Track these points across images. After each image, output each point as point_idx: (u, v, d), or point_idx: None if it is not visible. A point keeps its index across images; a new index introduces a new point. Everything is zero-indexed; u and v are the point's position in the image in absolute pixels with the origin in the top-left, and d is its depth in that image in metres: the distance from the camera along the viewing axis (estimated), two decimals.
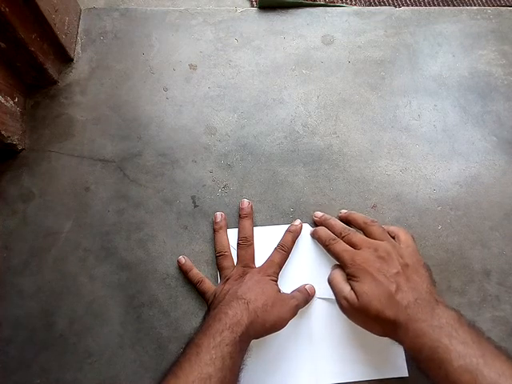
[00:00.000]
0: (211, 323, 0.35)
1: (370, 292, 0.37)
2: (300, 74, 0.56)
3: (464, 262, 0.47)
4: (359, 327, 0.43)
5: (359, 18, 0.59)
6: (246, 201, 0.48)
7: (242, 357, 0.36)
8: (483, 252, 0.47)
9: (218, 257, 0.45)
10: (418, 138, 0.53)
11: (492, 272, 0.47)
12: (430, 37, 0.58)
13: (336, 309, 0.44)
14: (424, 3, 0.72)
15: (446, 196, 0.50)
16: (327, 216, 0.47)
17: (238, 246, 0.46)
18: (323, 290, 0.45)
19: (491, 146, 0.52)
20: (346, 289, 0.39)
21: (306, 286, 0.44)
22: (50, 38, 0.50)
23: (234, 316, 0.36)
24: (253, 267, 0.44)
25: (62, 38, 0.52)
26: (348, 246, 0.41)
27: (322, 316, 0.44)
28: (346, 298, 0.38)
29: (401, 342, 0.36)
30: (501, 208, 0.49)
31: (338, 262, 0.43)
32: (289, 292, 0.43)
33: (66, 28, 0.53)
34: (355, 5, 0.67)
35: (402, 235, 0.43)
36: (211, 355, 0.32)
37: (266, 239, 0.46)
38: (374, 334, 0.38)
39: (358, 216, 0.45)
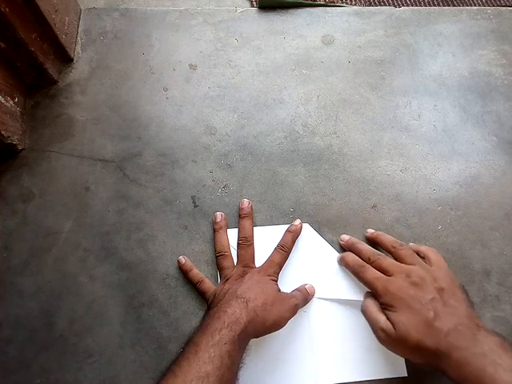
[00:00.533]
0: (210, 322, 0.35)
1: (406, 321, 0.35)
2: (300, 74, 0.56)
3: (464, 261, 0.47)
4: (359, 327, 0.43)
5: (359, 18, 0.59)
6: (245, 201, 0.48)
7: (241, 355, 0.36)
8: (483, 252, 0.47)
9: (218, 257, 0.45)
10: (418, 138, 0.53)
11: (492, 272, 0.47)
12: (430, 37, 0.58)
13: (336, 309, 0.44)
14: (424, 3, 0.72)
15: (445, 196, 0.50)
16: (354, 240, 0.45)
17: (238, 245, 0.46)
18: (323, 290, 0.45)
19: (491, 146, 0.52)
20: (381, 319, 0.37)
21: (306, 286, 0.44)
22: (50, 38, 0.50)
23: (232, 314, 0.36)
24: (253, 267, 0.44)
25: (62, 38, 0.52)
26: (378, 272, 0.40)
27: (322, 316, 0.44)
28: (382, 329, 0.37)
29: (444, 372, 0.34)
30: (501, 208, 0.49)
31: (369, 290, 0.41)
32: (289, 292, 0.43)
33: (66, 28, 0.53)
34: (355, 5, 0.67)
35: (433, 256, 0.41)
36: (210, 354, 0.32)
37: (266, 239, 0.46)
38: (416, 362, 0.36)
39: (386, 239, 0.44)
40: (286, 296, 0.41)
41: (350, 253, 0.44)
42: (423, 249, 0.42)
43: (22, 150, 0.50)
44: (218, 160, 0.51)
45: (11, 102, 0.48)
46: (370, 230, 0.47)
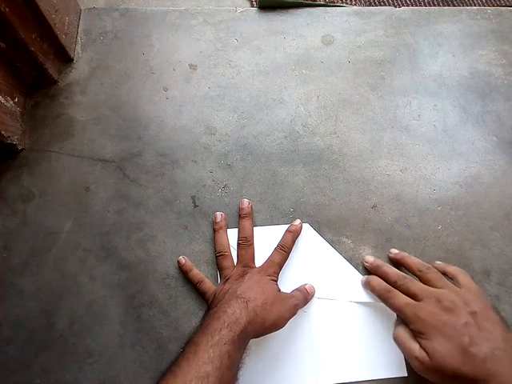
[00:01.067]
0: (210, 322, 0.35)
1: (441, 349, 0.34)
2: (300, 74, 0.56)
3: (464, 261, 0.47)
4: (359, 327, 0.43)
5: (359, 18, 0.59)
6: (245, 201, 0.48)
7: (241, 355, 0.36)
8: (483, 252, 0.47)
9: (218, 257, 0.45)
10: (418, 138, 0.53)
11: (492, 272, 0.47)
12: (430, 37, 0.58)
13: (336, 309, 0.44)
14: (424, 3, 0.72)
15: (445, 196, 0.50)
16: (379, 262, 0.44)
17: (238, 245, 0.46)
18: (323, 290, 0.45)
19: (491, 146, 0.52)
20: (415, 348, 0.36)
21: (306, 286, 0.44)
22: (50, 38, 0.50)
23: (232, 314, 0.36)
24: (253, 267, 0.44)
25: (62, 38, 0.52)
26: (407, 297, 0.38)
27: (322, 316, 0.44)
28: (417, 358, 0.35)
29: None
30: (501, 208, 0.49)
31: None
32: (289, 292, 0.43)
33: (66, 28, 0.53)
34: (355, 5, 0.67)
35: (461, 277, 0.40)
36: (209, 354, 0.32)
37: (266, 239, 0.46)
38: None
39: (412, 261, 0.43)
40: (286, 296, 0.41)
41: (375, 276, 0.43)
42: (451, 269, 0.41)
43: (22, 150, 0.50)
44: (218, 160, 0.51)
45: (11, 102, 0.48)
46: (394, 251, 0.45)
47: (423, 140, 0.52)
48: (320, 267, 0.46)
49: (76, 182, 0.49)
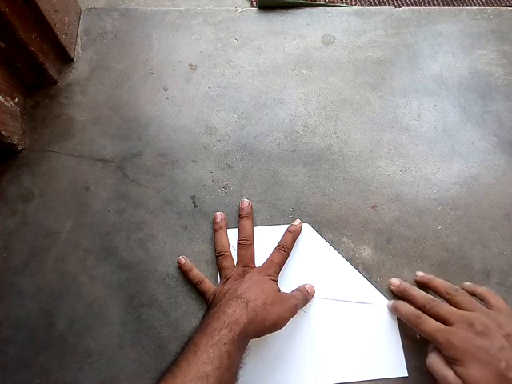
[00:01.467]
0: (210, 322, 0.35)
1: (477, 376, 0.33)
2: (300, 74, 0.56)
3: (464, 261, 0.47)
4: (359, 327, 0.43)
5: (359, 18, 0.59)
6: (245, 201, 0.48)
7: (241, 356, 0.36)
8: (483, 252, 0.47)
9: (218, 257, 0.45)
10: (418, 138, 0.53)
11: (492, 272, 0.47)
12: (430, 37, 0.58)
13: (336, 309, 0.44)
14: (424, 3, 0.72)
15: (446, 196, 0.50)
16: (406, 285, 0.43)
17: (238, 245, 0.46)
18: (323, 290, 0.45)
19: (491, 146, 0.52)
20: (449, 375, 0.34)
21: (306, 286, 0.44)
22: (50, 38, 0.50)
23: (232, 314, 0.36)
24: (253, 267, 0.44)
25: (62, 38, 0.52)
26: (437, 323, 0.37)
27: (322, 316, 0.44)
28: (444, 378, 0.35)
29: None
30: (501, 208, 0.49)
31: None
32: (289, 292, 0.43)
33: (65, 28, 0.53)
34: (355, 5, 0.67)
35: (492, 298, 0.39)
36: (209, 354, 0.32)
37: (266, 239, 0.46)
38: None
39: (440, 284, 0.41)
40: (286, 296, 0.41)
41: (402, 302, 0.42)
42: (480, 290, 0.40)
43: (22, 149, 0.50)
44: (218, 160, 0.51)
45: (11, 102, 0.48)
46: (420, 273, 0.44)
47: (423, 140, 0.52)
48: (320, 267, 0.46)
49: (76, 182, 0.49)
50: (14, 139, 0.48)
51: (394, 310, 0.42)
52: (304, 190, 0.50)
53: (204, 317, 0.40)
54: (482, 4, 0.72)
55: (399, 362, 0.42)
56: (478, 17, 0.60)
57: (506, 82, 0.56)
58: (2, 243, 0.46)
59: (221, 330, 0.34)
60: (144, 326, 0.44)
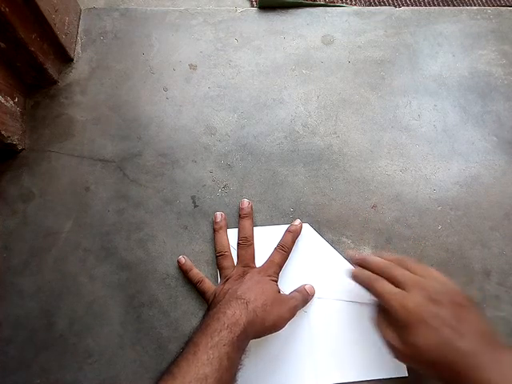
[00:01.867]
0: (210, 322, 0.35)
1: (423, 340, 0.33)
2: (300, 74, 0.56)
3: (464, 261, 0.47)
4: (359, 327, 0.43)
5: (359, 18, 0.59)
6: (246, 201, 0.48)
7: (240, 357, 0.36)
8: (483, 252, 0.47)
9: (218, 257, 0.45)
10: (418, 138, 0.53)
11: (492, 272, 0.47)
12: (430, 37, 0.58)
13: (336, 309, 0.44)
14: (424, 3, 0.72)
15: (446, 196, 0.50)
16: (364, 255, 0.44)
17: (238, 245, 0.46)
18: (323, 290, 0.45)
19: (491, 146, 0.52)
20: (393, 336, 0.36)
21: (306, 287, 0.44)
22: (50, 38, 0.50)
23: (232, 316, 0.36)
24: (253, 267, 0.44)
25: (62, 38, 0.52)
26: (393, 287, 0.37)
27: (322, 316, 0.44)
28: (395, 347, 0.35)
29: None
30: (501, 208, 0.49)
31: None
32: (288, 292, 0.43)
33: (65, 28, 0.53)
34: (355, 5, 0.67)
35: (436, 274, 0.39)
36: (209, 355, 0.32)
37: (266, 239, 0.46)
38: (433, 379, 0.34)
39: (392, 256, 0.42)
40: (286, 297, 0.41)
41: (360, 268, 0.42)
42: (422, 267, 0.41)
43: (22, 149, 0.50)
44: (218, 160, 0.51)
45: (11, 102, 0.48)
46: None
47: (423, 140, 0.52)
48: (320, 267, 0.46)
49: (76, 181, 0.49)
50: (14, 139, 0.48)
51: (353, 278, 0.42)
52: (304, 190, 0.50)
53: (204, 317, 0.40)
54: (482, 4, 0.72)
55: (399, 362, 0.42)
56: (478, 17, 0.60)
57: (506, 82, 0.56)
58: (2, 243, 0.46)
59: (221, 331, 0.34)
60: (144, 325, 0.44)
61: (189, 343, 0.34)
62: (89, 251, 0.46)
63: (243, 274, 0.42)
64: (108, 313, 0.44)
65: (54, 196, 0.48)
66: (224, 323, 0.35)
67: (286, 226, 0.47)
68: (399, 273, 0.38)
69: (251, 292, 0.39)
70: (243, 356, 0.36)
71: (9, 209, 0.48)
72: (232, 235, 0.47)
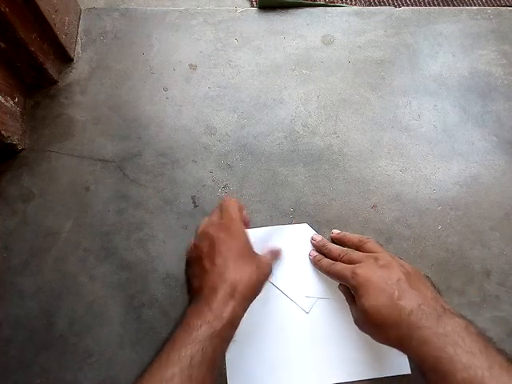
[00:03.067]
0: (191, 317, 0.33)
1: (372, 301, 0.35)
2: (300, 74, 0.56)
3: (464, 261, 0.47)
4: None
5: (359, 18, 0.59)
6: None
7: (222, 347, 0.34)
8: (483, 252, 0.47)
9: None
10: (418, 138, 0.53)
11: (492, 272, 0.47)
12: (430, 37, 0.58)
13: (336, 308, 0.44)
14: (424, 3, 0.72)
15: (446, 196, 0.50)
16: (325, 241, 0.46)
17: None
18: (323, 290, 0.45)
19: (491, 146, 0.52)
20: (352, 308, 0.39)
21: (271, 247, 0.43)
22: (50, 38, 0.50)
23: (217, 309, 0.34)
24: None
25: (62, 38, 0.52)
26: (348, 265, 0.40)
27: (323, 316, 0.44)
28: (355, 318, 0.38)
29: (405, 352, 0.34)
30: (501, 208, 0.49)
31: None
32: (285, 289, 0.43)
33: (66, 28, 0.53)
34: (355, 5, 0.67)
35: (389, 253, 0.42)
36: (180, 353, 0.31)
37: (263, 241, 0.46)
38: (383, 343, 0.36)
39: (352, 237, 0.45)
40: (260, 261, 0.39)
41: (320, 255, 0.45)
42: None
43: (22, 149, 0.50)
44: (218, 160, 0.51)
45: (11, 102, 0.48)
46: (336, 231, 0.47)
47: (423, 140, 0.52)
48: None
49: (76, 182, 0.49)
50: (14, 139, 0.48)
51: (314, 263, 0.45)
52: (304, 190, 0.50)
53: (191, 301, 0.37)
54: (482, 4, 0.72)
55: (401, 359, 0.42)
56: (478, 17, 0.60)
57: (506, 82, 0.56)
58: (2, 243, 0.46)
59: (201, 326, 0.32)
60: (144, 326, 0.44)
61: (169, 340, 0.33)
62: (89, 251, 0.46)
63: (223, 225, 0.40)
64: (108, 313, 0.44)
65: (54, 196, 0.48)
66: (206, 319, 0.33)
67: (281, 227, 0.47)
68: (354, 254, 0.41)
69: (236, 270, 0.36)
70: (227, 345, 0.35)
71: (9, 209, 0.48)
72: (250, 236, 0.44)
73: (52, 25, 0.48)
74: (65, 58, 0.55)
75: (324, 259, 0.44)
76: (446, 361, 0.30)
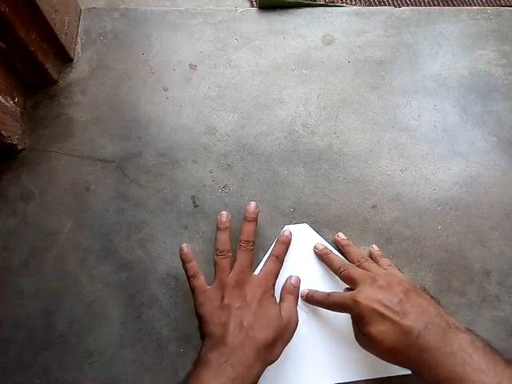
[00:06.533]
0: (220, 364, 0.34)
1: (379, 330, 0.35)
2: (300, 74, 0.56)
3: (464, 261, 0.47)
4: None
5: (359, 18, 0.59)
6: (253, 205, 0.45)
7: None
8: (483, 252, 0.47)
9: (219, 255, 0.43)
10: (418, 138, 0.53)
11: (492, 272, 0.47)
12: (430, 37, 0.58)
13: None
14: (424, 3, 0.71)
15: (445, 196, 0.50)
16: (328, 250, 0.46)
17: (238, 247, 0.43)
18: (323, 290, 0.45)
19: (491, 146, 0.52)
20: (356, 333, 0.39)
21: (292, 281, 0.44)
22: (50, 38, 0.50)
23: (243, 364, 0.35)
24: (249, 274, 0.42)
25: (62, 38, 0.52)
26: (342, 294, 0.41)
27: (322, 316, 0.44)
28: (361, 341, 0.38)
29: (416, 373, 0.34)
30: (501, 208, 0.49)
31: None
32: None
33: (66, 28, 0.53)
34: (355, 5, 0.66)
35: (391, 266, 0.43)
36: None
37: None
38: (392, 364, 0.36)
39: (353, 251, 0.45)
40: (287, 321, 0.40)
41: (312, 290, 0.44)
42: (382, 262, 0.44)
43: (22, 149, 0.50)
44: (218, 160, 0.51)
45: (11, 102, 0.48)
46: (342, 236, 0.47)
47: (423, 140, 0.52)
48: (320, 267, 0.46)
49: (76, 182, 0.49)
50: (14, 139, 0.48)
51: (307, 300, 0.44)
52: (304, 190, 0.50)
53: (206, 346, 0.37)
54: (482, 4, 0.72)
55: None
56: (478, 17, 0.60)
57: (506, 82, 0.56)
58: (2, 243, 0.46)
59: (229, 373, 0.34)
60: (144, 326, 0.44)
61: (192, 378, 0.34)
62: (89, 251, 0.46)
63: (242, 284, 0.41)
64: (108, 313, 0.44)
65: (54, 196, 0.48)
66: (238, 372, 0.34)
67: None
68: (354, 271, 0.41)
69: (259, 324, 0.38)
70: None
71: (9, 209, 0.48)
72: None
73: (52, 25, 0.48)
74: (65, 58, 0.55)
75: (316, 293, 0.43)
76: (457, 381, 0.30)
